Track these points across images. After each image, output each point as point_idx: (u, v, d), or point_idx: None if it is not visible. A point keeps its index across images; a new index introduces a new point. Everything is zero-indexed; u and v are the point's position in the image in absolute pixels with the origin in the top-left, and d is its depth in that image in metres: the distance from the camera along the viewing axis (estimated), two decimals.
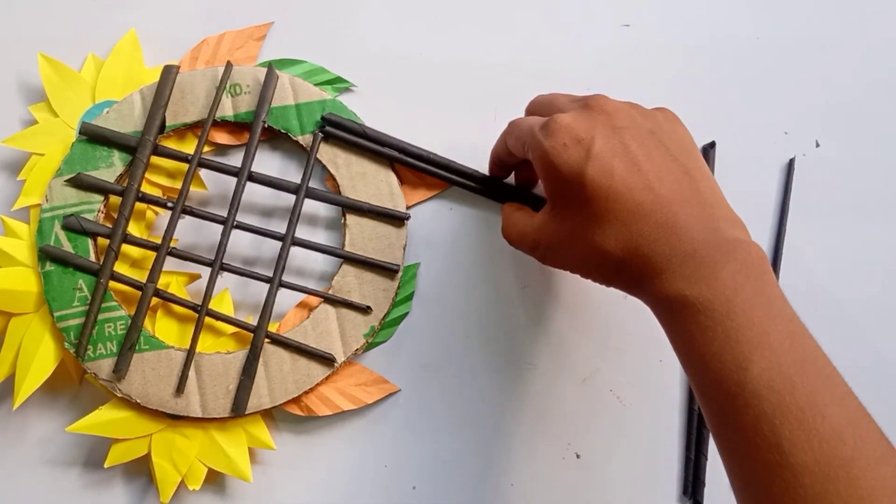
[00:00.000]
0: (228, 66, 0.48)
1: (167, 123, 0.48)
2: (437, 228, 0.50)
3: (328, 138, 0.48)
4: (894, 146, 0.51)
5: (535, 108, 0.44)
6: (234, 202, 0.47)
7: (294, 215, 0.47)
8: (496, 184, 0.49)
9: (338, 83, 0.50)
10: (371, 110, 0.50)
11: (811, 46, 0.52)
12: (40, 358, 0.46)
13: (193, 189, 0.48)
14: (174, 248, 0.47)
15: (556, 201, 0.38)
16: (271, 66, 0.48)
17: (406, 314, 0.48)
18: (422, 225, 0.49)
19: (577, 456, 0.48)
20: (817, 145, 0.51)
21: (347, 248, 0.48)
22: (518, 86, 0.50)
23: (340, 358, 0.47)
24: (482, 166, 0.49)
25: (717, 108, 0.51)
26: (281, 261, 0.47)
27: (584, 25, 0.52)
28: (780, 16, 0.53)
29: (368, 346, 0.48)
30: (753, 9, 0.53)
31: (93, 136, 0.48)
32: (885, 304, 0.49)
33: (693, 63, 0.52)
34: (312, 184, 0.48)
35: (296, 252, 0.48)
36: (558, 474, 0.48)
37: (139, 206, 0.48)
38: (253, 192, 0.48)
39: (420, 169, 0.48)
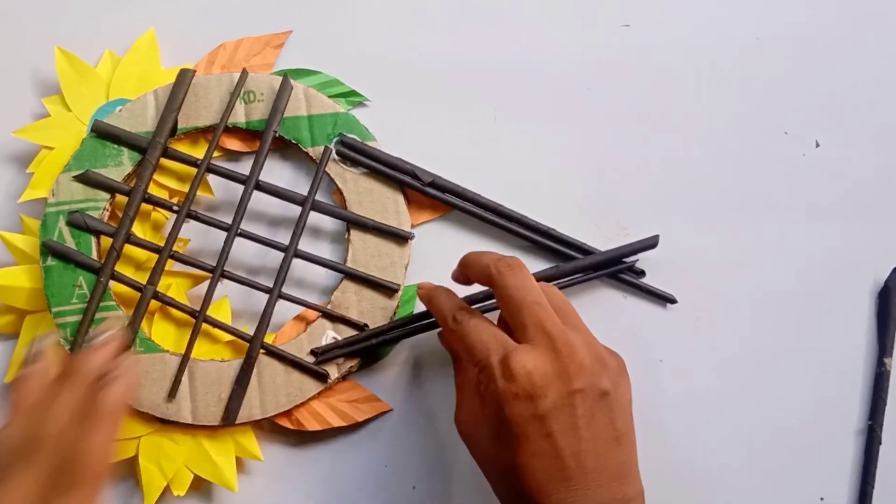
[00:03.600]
0: (244, 73, 0.48)
1: (179, 126, 0.48)
2: (442, 249, 0.49)
3: (339, 154, 0.48)
4: (894, 146, 0.51)
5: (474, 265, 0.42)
6: (240, 210, 0.47)
7: (298, 227, 0.47)
8: (504, 215, 0.49)
9: (351, 96, 0.50)
10: (374, 109, 0.50)
11: (811, 46, 0.52)
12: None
13: (201, 194, 0.48)
14: (176, 251, 0.47)
15: (496, 428, 0.38)
16: (286, 76, 0.48)
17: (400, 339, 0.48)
18: (426, 244, 0.49)
19: None
20: (817, 145, 0.51)
21: (349, 264, 0.47)
22: (518, 86, 0.51)
23: (334, 374, 0.46)
24: (482, 173, 0.49)
25: (717, 108, 0.51)
26: (282, 272, 0.47)
27: (584, 25, 0.52)
28: (781, 16, 0.52)
29: (363, 364, 0.47)
30: (754, 9, 0.52)
31: (104, 134, 0.48)
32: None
33: (693, 63, 0.52)
34: (319, 197, 0.48)
35: (298, 264, 0.48)
36: None
37: (146, 207, 0.48)
38: (261, 200, 0.48)
39: (427, 195, 0.48)
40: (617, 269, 0.48)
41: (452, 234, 0.50)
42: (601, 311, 0.49)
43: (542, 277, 0.47)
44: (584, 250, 0.49)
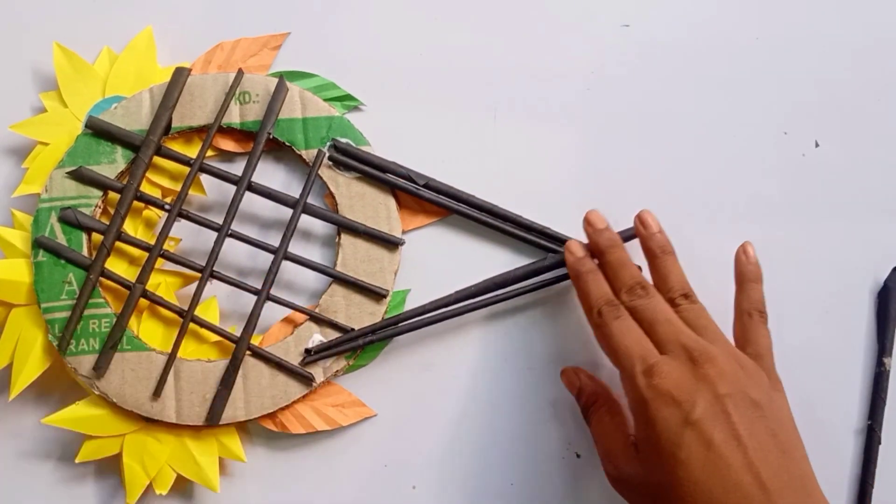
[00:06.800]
0: (240, 73, 0.48)
1: (173, 125, 0.48)
2: (434, 255, 0.49)
3: (332, 159, 0.48)
4: (894, 146, 0.51)
5: (610, 268, 0.44)
6: (231, 210, 0.47)
7: (289, 229, 0.47)
8: (499, 215, 0.48)
9: (347, 100, 0.50)
10: (373, 109, 0.51)
11: (811, 46, 0.52)
12: (38, 349, 0.46)
13: (193, 193, 0.48)
14: (166, 250, 0.47)
15: (647, 449, 0.38)
16: (282, 78, 0.48)
17: (391, 339, 0.48)
18: (418, 251, 0.49)
19: (578, 456, 0.48)
20: (817, 145, 0.51)
21: (339, 268, 0.47)
22: (518, 86, 0.51)
23: (319, 378, 0.46)
24: (482, 174, 0.49)
25: (716, 109, 0.51)
26: (271, 274, 0.47)
27: (584, 25, 0.52)
28: (780, 16, 0.52)
29: (350, 368, 0.47)
30: (753, 9, 0.52)
31: (98, 131, 0.48)
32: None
33: (693, 63, 0.52)
34: (312, 200, 0.48)
35: (288, 266, 0.48)
36: (558, 474, 0.48)
37: (138, 205, 0.48)
38: (253, 202, 0.48)
39: (421, 197, 0.48)
40: None
41: (446, 240, 0.50)
42: None
43: (530, 271, 0.47)
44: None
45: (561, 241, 0.48)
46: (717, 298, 0.47)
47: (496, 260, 0.49)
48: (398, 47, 0.51)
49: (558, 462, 0.48)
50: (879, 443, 0.48)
